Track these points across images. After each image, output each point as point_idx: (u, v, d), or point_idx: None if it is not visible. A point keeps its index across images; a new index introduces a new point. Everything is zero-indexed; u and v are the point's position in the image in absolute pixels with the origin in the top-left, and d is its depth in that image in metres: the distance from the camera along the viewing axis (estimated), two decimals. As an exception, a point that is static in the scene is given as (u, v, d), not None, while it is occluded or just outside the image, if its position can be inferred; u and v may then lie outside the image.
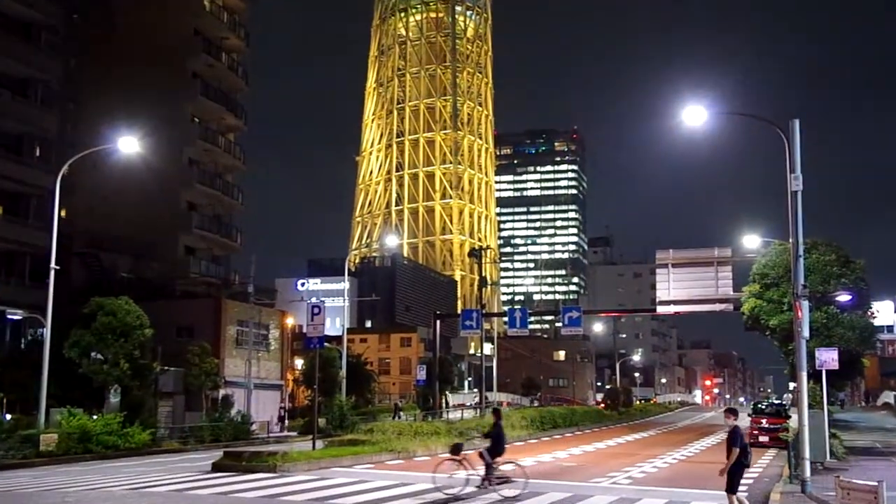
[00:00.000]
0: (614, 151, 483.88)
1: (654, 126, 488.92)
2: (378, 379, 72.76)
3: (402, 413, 56.86)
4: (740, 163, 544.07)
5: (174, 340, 45.79)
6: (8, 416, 33.16)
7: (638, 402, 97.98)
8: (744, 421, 55.20)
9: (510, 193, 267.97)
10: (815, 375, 28.28)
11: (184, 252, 60.74)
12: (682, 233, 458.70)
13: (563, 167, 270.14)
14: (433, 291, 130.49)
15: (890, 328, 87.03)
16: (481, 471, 18.40)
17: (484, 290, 70.14)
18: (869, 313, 38.73)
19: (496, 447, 18.61)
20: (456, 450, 19.22)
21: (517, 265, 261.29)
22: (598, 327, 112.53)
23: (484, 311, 57.40)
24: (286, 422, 48.52)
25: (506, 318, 50.71)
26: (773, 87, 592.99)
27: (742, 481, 15.45)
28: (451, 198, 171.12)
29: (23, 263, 45.47)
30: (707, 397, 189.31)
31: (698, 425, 65.29)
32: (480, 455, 18.54)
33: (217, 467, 23.58)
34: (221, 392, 46.93)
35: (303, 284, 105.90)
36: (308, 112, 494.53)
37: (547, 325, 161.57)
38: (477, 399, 73.11)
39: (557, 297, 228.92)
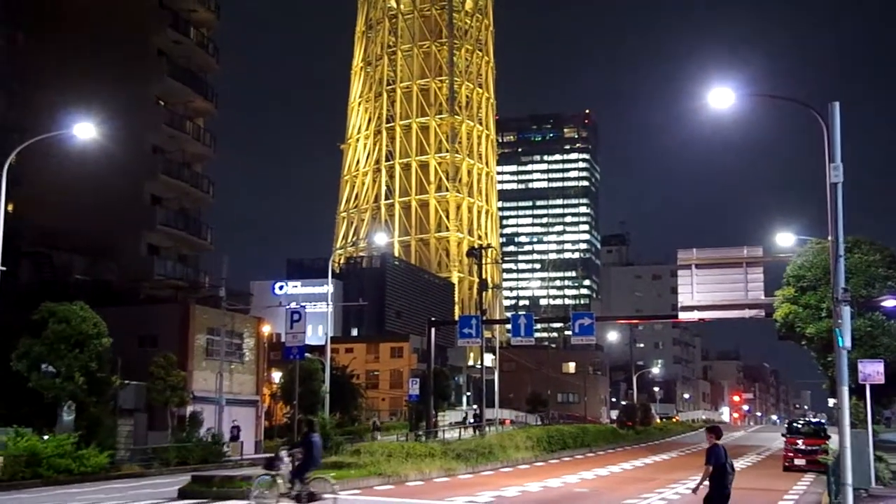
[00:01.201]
0: (631, 139, 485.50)
1: (676, 111, 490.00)
2: (365, 394, 72.87)
3: (379, 434, 57.17)
4: (773, 152, 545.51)
5: (136, 351, 45.97)
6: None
7: (657, 421, 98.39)
8: (777, 441, 55.41)
9: (514, 186, 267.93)
10: (857, 390, 28.12)
11: (147, 251, 60.88)
12: (707, 230, 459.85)
13: (574, 156, 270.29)
14: (427, 295, 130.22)
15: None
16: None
17: (484, 293, 69.57)
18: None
19: (307, 463, 18.83)
20: (271, 464, 19.50)
21: (522, 266, 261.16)
22: (612, 336, 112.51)
23: (484, 318, 57.16)
24: (241, 440, 48.75)
25: (509, 326, 51.57)
26: (809, 69, 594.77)
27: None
28: (447, 190, 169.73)
29: (-38, 264, 45.56)
30: (735, 415, 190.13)
31: (727, 446, 65.18)
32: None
33: (184, 494, 23.56)
34: (189, 409, 47.11)
35: (281, 288, 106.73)
36: (287, 94, 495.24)
37: (555, 334, 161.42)
38: (468, 415, 73.36)
39: (567, 301, 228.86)
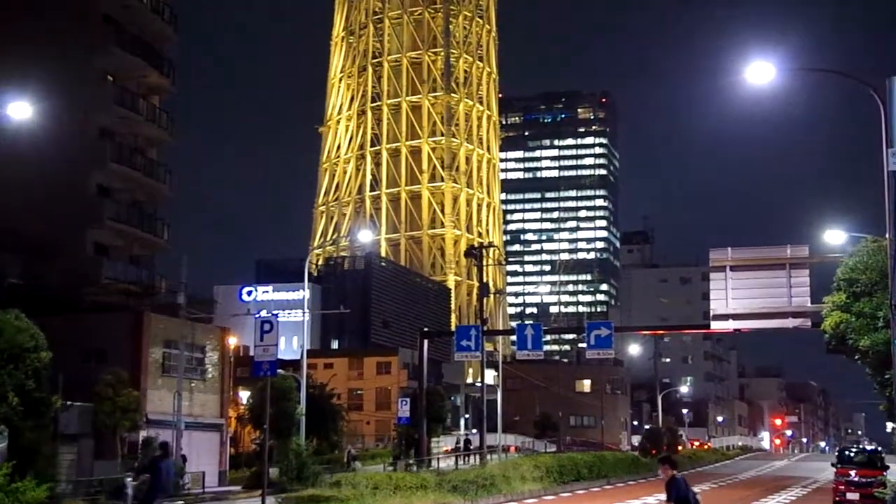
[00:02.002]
0: (656, 121, 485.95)
1: (707, 90, 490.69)
2: (348, 416, 73.10)
3: (357, 462, 57.76)
4: (821, 137, 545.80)
5: (80, 367, 45.74)
6: None
7: (686, 447, 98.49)
8: (826, 472, 55.50)
9: (520, 175, 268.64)
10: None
11: (93, 251, 60.76)
12: (744, 226, 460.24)
13: (589, 140, 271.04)
14: (419, 302, 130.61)
15: None
16: None
17: (485, 300, 72.28)
18: None
19: (153, 492, 19.04)
20: (117, 495, 19.79)
21: (529, 268, 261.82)
22: (634, 349, 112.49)
23: (485, 328, 57.81)
24: (186, 465, 48.37)
25: (513, 338, 51.75)
26: (863, 40, 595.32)
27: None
28: (442, 180, 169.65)
29: None
30: (777, 441, 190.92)
31: (766, 478, 65.31)
32: None
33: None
34: (142, 434, 46.95)
35: (250, 293, 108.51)
36: (257, 69, 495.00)
37: (567, 347, 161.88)
38: (459, 441, 73.53)
39: (581, 309, 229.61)
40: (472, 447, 69.44)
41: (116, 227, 61.36)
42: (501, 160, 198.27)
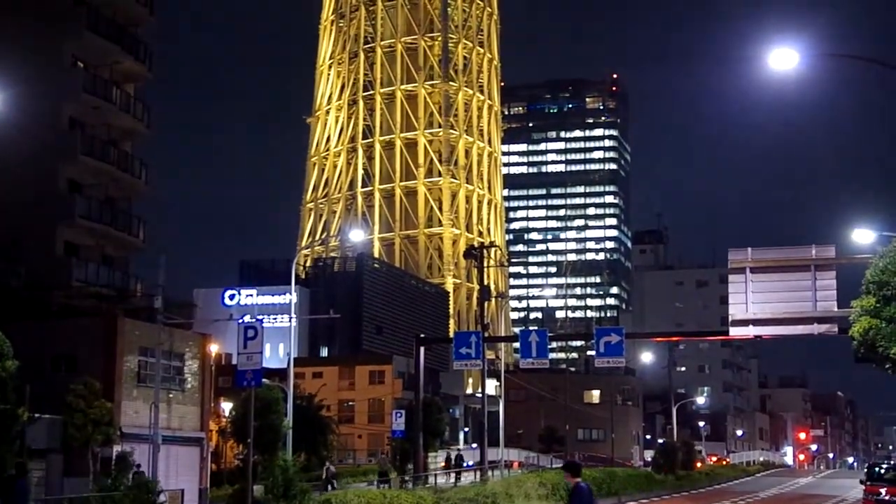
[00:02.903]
0: (670, 112, 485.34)
1: (726, 79, 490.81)
2: (338, 430, 73.24)
3: (334, 481, 57.78)
4: (848, 129, 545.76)
5: (49, 376, 45.74)
6: None
7: (703, 463, 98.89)
8: (854, 490, 55.42)
9: (523, 169, 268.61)
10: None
11: (63, 251, 60.73)
12: (765, 224, 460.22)
13: (598, 132, 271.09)
14: (415, 307, 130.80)
15: None
16: None
17: (486, 304, 70.92)
18: None
19: None
20: None
21: (533, 270, 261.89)
22: (646, 357, 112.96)
23: (486, 335, 57.37)
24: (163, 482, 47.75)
25: (517, 345, 51.78)
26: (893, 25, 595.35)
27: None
28: (439, 175, 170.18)
29: None
30: (801, 456, 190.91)
31: (790, 496, 65.35)
32: None
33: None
34: (116, 448, 46.67)
35: (233, 297, 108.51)
36: (240, 56, 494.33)
37: (575, 355, 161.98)
38: (450, 456, 73.55)
39: (590, 314, 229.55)
40: (464, 463, 70.00)
41: (88, 226, 61.27)
42: (504, 153, 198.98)
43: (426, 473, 57.23)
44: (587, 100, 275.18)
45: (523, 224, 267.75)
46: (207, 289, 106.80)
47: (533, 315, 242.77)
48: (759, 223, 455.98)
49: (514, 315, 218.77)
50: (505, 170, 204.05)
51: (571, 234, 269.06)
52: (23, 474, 19.34)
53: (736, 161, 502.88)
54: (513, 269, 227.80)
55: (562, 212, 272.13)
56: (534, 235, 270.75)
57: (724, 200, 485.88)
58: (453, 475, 64.08)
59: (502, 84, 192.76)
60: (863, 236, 38.90)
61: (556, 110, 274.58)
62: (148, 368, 50.89)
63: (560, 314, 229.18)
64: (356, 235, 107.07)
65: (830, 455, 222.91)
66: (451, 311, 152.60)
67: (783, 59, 20.59)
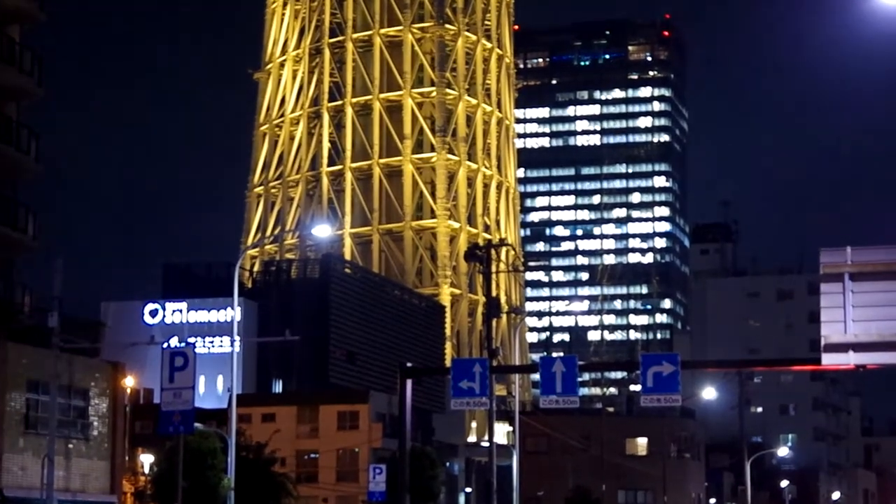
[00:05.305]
0: (742, 64, 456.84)
1: (815, 21, 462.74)
2: (296, 491, 67.99)
3: None
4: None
5: None
6: None
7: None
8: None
9: (545, 142, 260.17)
10: None
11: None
12: (867, 217, 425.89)
13: (645, 92, 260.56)
14: (400, 325, 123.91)
15: None
16: None
17: (495, 322, 70.81)
18: None
19: None
20: None
21: (557, 276, 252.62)
22: (709, 394, 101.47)
23: (495, 363, 58.49)
24: None
25: (537, 376, 49.26)
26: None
27: None
28: (433, 150, 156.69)
29: None
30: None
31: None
32: None
33: None
34: (-6, 516, 47.53)
35: (154, 313, 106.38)
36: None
37: (614, 390, 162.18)
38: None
39: (633, 336, 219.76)
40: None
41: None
42: (519, 121, 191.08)
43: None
44: (630, 49, 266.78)
45: (544, 216, 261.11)
46: (121, 302, 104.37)
47: (558, 337, 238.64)
48: (862, 217, 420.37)
49: (533, 337, 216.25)
50: (520, 143, 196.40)
51: (609, 230, 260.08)
52: None
53: (833, 133, 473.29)
54: (530, 276, 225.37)
55: (595, 199, 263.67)
56: (558, 231, 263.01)
57: (816, 186, 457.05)
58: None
59: (517, 28, 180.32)
60: None
61: (588, 63, 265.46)
62: (39, 409, 51.74)
63: (594, 336, 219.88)
64: (321, 230, 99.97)
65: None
66: (448, 331, 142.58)
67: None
